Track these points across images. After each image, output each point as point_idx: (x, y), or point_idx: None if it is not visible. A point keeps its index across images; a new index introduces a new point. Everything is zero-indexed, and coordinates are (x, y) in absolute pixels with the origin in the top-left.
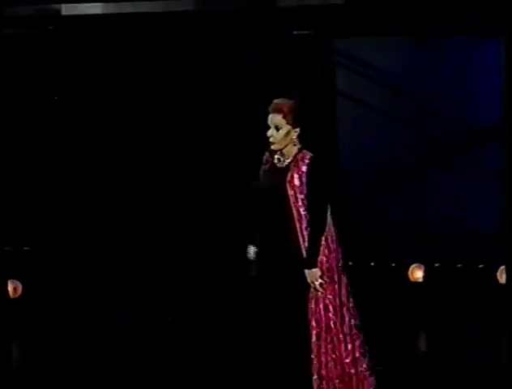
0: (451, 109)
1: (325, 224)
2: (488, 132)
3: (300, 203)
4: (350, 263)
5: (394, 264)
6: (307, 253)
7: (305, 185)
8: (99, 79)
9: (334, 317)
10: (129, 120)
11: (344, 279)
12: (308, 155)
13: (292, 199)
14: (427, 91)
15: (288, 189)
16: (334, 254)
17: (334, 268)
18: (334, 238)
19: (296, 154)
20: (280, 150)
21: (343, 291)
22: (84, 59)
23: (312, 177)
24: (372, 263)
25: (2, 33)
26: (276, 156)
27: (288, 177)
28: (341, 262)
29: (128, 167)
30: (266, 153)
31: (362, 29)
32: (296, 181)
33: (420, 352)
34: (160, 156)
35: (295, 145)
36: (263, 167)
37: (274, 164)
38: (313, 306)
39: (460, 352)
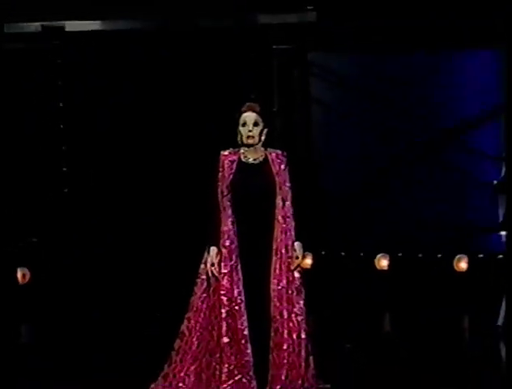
0: (424, 113)
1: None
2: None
3: (285, 193)
4: (322, 253)
5: (362, 254)
6: (299, 226)
7: (287, 177)
8: (101, 89)
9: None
10: (130, 124)
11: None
12: (278, 151)
13: (277, 190)
14: (401, 96)
15: (277, 181)
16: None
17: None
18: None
19: (266, 151)
20: (253, 146)
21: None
22: (87, 70)
23: (293, 169)
24: (343, 253)
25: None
26: (244, 154)
27: (274, 170)
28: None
29: (129, 170)
30: (226, 152)
31: (335, 43)
32: (282, 173)
33: (387, 332)
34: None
35: (262, 143)
36: (225, 168)
37: (243, 163)
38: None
39: (422, 334)
